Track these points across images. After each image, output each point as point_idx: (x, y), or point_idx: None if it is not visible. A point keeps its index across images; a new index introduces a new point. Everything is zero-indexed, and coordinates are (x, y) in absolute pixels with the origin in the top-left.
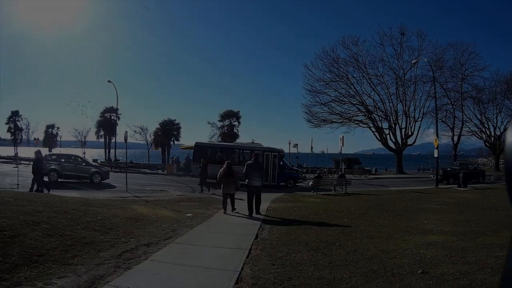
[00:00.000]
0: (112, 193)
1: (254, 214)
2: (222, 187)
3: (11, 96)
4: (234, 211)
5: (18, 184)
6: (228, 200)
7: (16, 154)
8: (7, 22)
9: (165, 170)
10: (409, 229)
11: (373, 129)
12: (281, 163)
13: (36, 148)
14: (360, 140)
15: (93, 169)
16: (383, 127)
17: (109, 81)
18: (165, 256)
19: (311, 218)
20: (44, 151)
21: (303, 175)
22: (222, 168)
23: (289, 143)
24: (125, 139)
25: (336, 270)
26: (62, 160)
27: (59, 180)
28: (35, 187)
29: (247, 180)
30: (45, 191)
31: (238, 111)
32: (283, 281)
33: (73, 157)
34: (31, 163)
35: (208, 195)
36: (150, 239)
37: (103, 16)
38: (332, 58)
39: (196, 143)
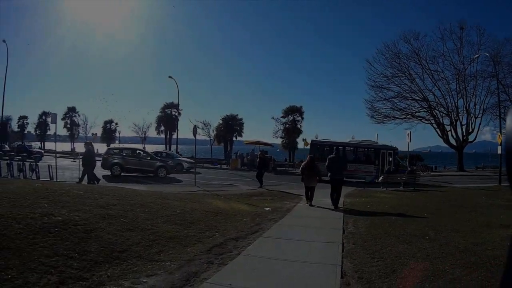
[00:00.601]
0: (180, 187)
1: (333, 207)
2: (304, 180)
3: (73, 94)
4: (312, 204)
5: (79, 178)
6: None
7: (73, 149)
8: (72, 26)
9: (228, 165)
10: (488, 223)
11: (434, 125)
12: (396, 160)
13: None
14: (417, 138)
15: (158, 163)
16: (444, 123)
17: (170, 77)
18: (258, 250)
19: (391, 212)
20: (102, 146)
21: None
22: (305, 161)
23: (353, 139)
24: (194, 134)
25: (436, 262)
26: (125, 153)
27: (122, 174)
28: (96, 179)
29: (329, 174)
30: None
31: (301, 106)
32: (389, 274)
33: (137, 151)
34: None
35: (278, 190)
36: (237, 233)
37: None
38: (394, 53)
39: (312, 141)
